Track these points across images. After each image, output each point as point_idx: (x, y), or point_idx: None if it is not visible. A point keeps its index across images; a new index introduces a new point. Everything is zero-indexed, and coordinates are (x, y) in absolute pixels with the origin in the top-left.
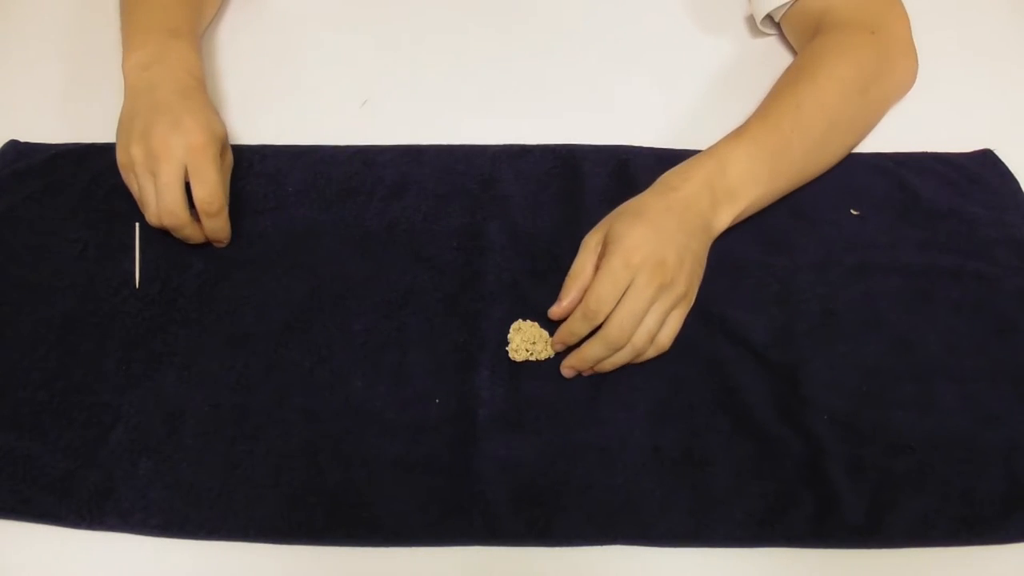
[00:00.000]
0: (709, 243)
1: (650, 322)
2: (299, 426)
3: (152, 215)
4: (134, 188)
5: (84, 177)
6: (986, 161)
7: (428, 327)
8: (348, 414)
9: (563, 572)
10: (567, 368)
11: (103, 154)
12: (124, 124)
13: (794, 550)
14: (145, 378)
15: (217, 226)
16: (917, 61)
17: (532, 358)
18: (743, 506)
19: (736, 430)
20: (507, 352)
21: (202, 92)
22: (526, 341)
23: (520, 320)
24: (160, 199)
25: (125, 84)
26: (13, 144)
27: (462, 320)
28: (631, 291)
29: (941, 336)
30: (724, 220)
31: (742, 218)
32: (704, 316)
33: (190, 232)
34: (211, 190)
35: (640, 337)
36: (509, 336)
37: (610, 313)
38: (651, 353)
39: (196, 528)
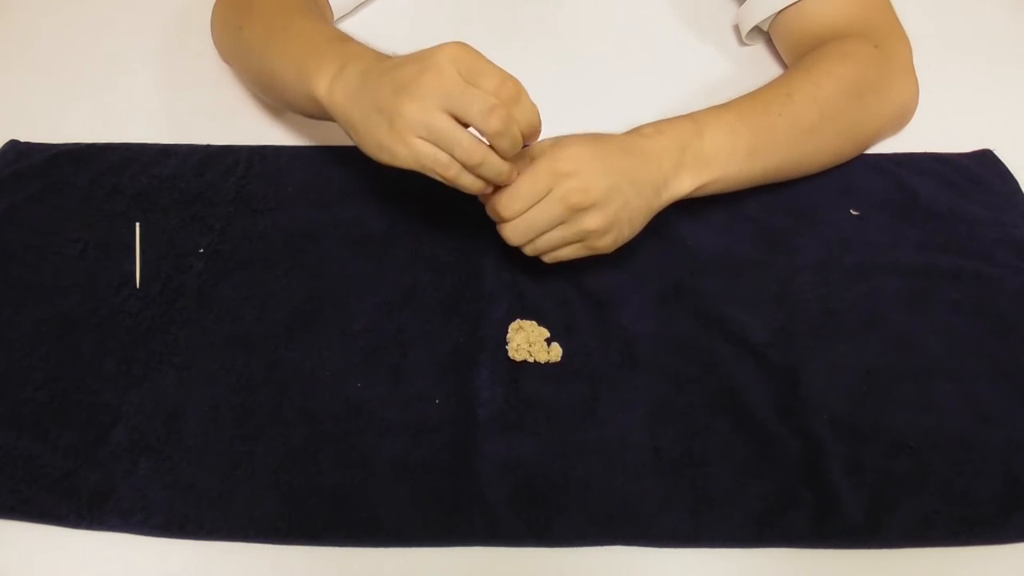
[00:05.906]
0: (655, 206)
1: (544, 242)
2: (299, 426)
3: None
4: (442, 161)
5: (84, 177)
6: (986, 161)
7: (428, 327)
8: (348, 414)
9: (563, 572)
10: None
11: (103, 154)
12: (361, 133)
13: (794, 550)
14: (145, 378)
15: (525, 114)
16: (917, 86)
17: (532, 358)
18: (743, 506)
19: (736, 430)
20: (507, 352)
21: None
22: (526, 341)
23: (520, 320)
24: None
25: (331, 109)
26: (13, 144)
27: (462, 320)
28: (541, 201)
29: (941, 336)
30: (685, 186)
31: (707, 192)
32: (704, 316)
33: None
34: (494, 73)
35: (532, 250)
36: (509, 336)
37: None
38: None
39: (196, 528)
